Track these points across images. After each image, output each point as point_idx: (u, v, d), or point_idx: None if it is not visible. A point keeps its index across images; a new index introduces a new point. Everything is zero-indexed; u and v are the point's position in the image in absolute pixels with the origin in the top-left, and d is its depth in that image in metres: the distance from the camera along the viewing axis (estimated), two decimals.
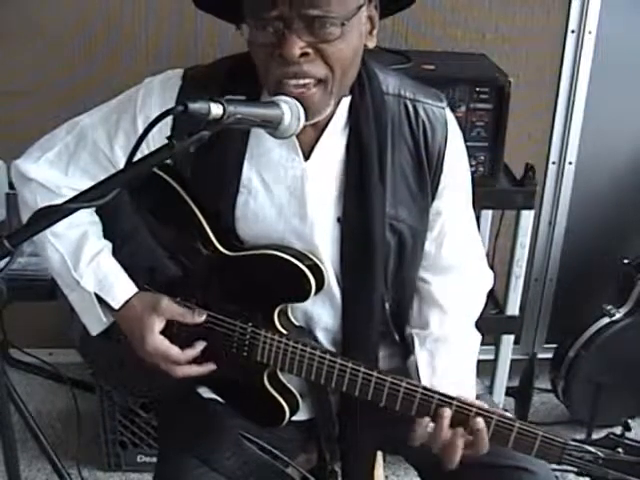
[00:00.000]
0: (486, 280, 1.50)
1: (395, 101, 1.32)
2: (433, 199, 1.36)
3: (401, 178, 1.32)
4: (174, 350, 1.31)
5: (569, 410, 2.51)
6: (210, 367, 1.35)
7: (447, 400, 1.23)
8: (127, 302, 1.33)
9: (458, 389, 1.28)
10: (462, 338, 1.42)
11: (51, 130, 1.40)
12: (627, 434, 1.23)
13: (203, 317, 1.33)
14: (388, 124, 1.30)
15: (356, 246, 1.30)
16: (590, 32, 2.39)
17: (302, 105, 1.15)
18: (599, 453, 1.18)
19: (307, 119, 1.17)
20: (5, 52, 2.31)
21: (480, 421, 1.22)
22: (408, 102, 1.32)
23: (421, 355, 1.38)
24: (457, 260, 1.41)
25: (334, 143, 1.30)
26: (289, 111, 1.13)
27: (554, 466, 2.18)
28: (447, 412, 1.22)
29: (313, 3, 1.13)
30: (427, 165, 1.33)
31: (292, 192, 1.30)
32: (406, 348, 1.43)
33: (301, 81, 1.16)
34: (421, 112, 1.32)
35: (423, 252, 1.39)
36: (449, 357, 1.38)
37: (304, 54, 1.15)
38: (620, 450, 1.18)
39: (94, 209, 1.40)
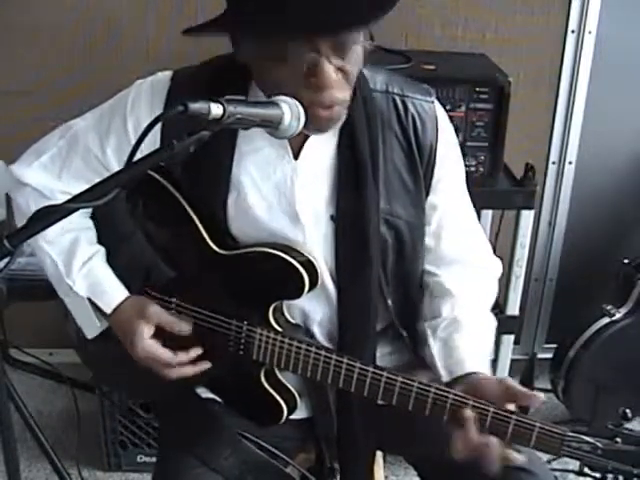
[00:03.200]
0: (493, 267, 1.47)
1: (383, 97, 1.32)
2: (427, 193, 1.36)
3: (394, 174, 1.32)
4: (165, 354, 1.32)
5: (569, 410, 2.51)
6: (204, 366, 1.34)
7: (444, 394, 1.21)
8: (118, 306, 1.34)
9: (474, 366, 1.27)
10: (474, 319, 1.38)
11: (50, 131, 1.41)
12: (625, 424, 1.22)
13: (190, 327, 1.34)
14: (378, 121, 1.30)
15: (351, 243, 1.30)
16: (590, 32, 2.39)
17: (329, 125, 1.19)
18: (598, 443, 1.17)
19: (324, 132, 1.21)
20: (5, 52, 2.31)
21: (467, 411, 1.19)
22: (397, 98, 1.33)
23: (434, 345, 1.35)
24: (459, 253, 1.41)
25: (324, 141, 1.30)
26: (289, 111, 1.12)
27: (554, 466, 2.20)
28: (468, 412, 1.19)
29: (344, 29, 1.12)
30: (419, 160, 1.33)
31: (282, 191, 1.30)
32: (417, 343, 1.41)
33: (334, 108, 1.17)
34: (410, 107, 1.33)
35: (424, 246, 1.39)
36: (462, 337, 1.34)
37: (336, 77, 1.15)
38: (618, 440, 1.18)
39: (88, 214, 1.41)
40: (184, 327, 1.33)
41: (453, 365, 1.30)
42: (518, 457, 1.19)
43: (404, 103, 1.32)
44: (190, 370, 1.34)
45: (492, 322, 1.42)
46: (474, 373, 1.27)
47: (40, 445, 1.89)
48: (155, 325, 1.33)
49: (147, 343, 1.31)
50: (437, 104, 1.36)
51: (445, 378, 1.30)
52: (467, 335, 1.34)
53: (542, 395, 1.18)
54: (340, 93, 1.17)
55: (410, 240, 1.35)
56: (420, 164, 1.33)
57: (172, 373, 1.33)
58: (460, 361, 1.30)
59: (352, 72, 1.18)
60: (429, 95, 1.36)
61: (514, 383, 1.21)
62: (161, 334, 1.33)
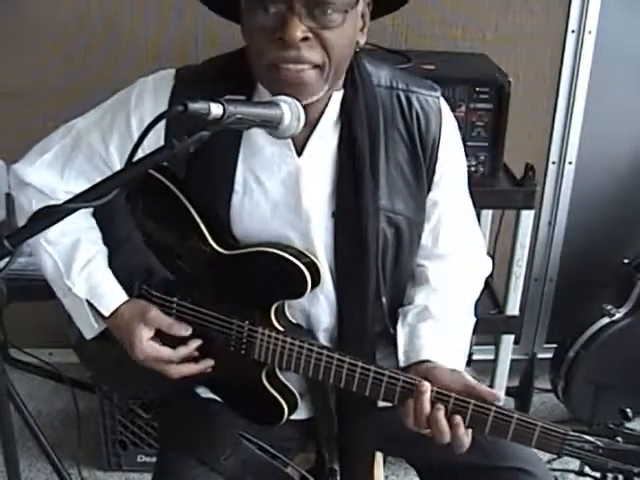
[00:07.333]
0: (482, 266, 1.48)
1: (387, 93, 1.32)
2: (429, 189, 1.36)
3: (396, 170, 1.32)
4: (165, 351, 1.32)
5: (569, 410, 2.51)
6: (208, 364, 1.35)
7: (445, 394, 1.21)
8: (117, 310, 1.34)
9: (431, 355, 1.28)
10: (446, 313, 1.37)
11: (51, 132, 1.41)
12: (626, 423, 1.22)
13: (189, 331, 1.33)
14: (380, 117, 1.30)
15: (349, 240, 1.30)
16: (590, 32, 2.39)
17: (297, 85, 1.17)
18: (598, 443, 1.17)
19: (301, 99, 1.16)
20: (5, 52, 2.31)
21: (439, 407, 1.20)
22: (401, 93, 1.32)
23: (401, 331, 1.36)
24: (453, 249, 1.41)
25: (326, 139, 1.30)
26: (289, 111, 1.13)
27: (554, 466, 2.20)
28: (425, 386, 1.20)
29: None
30: (422, 155, 1.33)
31: (287, 187, 1.30)
32: None
33: (299, 66, 1.16)
34: (414, 102, 1.32)
35: (419, 244, 1.39)
36: (427, 327, 1.34)
37: (304, 38, 1.14)
38: (619, 439, 1.18)
39: (91, 213, 1.41)
40: (183, 330, 1.33)
41: (411, 352, 1.31)
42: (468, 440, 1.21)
43: (408, 98, 1.32)
44: (194, 368, 1.34)
45: (469, 320, 1.42)
46: (428, 361, 1.28)
47: (40, 445, 1.89)
48: (155, 329, 1.33)
49: (146, 346, 1.31)
50: (442, 100, 1.36)
51: (401, 364, 1.32)
52: (433, 326, 1.34)
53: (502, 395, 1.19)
54: (309, 54, 1.16)
55: (409, 237, 1.35)
56: (423, 160, 1.33)
57: (175, 372, 1.33)
58: (418, 349, 1.31)
59: (329, 39, 1.16)
60: (434, 90, 1.35)
61: (469, 377, 1.22)
62: (160, 336, 1.33)
